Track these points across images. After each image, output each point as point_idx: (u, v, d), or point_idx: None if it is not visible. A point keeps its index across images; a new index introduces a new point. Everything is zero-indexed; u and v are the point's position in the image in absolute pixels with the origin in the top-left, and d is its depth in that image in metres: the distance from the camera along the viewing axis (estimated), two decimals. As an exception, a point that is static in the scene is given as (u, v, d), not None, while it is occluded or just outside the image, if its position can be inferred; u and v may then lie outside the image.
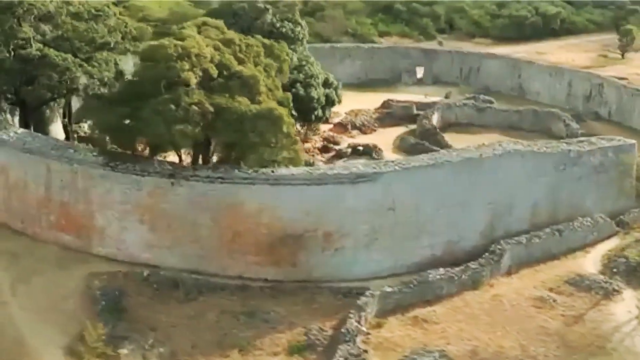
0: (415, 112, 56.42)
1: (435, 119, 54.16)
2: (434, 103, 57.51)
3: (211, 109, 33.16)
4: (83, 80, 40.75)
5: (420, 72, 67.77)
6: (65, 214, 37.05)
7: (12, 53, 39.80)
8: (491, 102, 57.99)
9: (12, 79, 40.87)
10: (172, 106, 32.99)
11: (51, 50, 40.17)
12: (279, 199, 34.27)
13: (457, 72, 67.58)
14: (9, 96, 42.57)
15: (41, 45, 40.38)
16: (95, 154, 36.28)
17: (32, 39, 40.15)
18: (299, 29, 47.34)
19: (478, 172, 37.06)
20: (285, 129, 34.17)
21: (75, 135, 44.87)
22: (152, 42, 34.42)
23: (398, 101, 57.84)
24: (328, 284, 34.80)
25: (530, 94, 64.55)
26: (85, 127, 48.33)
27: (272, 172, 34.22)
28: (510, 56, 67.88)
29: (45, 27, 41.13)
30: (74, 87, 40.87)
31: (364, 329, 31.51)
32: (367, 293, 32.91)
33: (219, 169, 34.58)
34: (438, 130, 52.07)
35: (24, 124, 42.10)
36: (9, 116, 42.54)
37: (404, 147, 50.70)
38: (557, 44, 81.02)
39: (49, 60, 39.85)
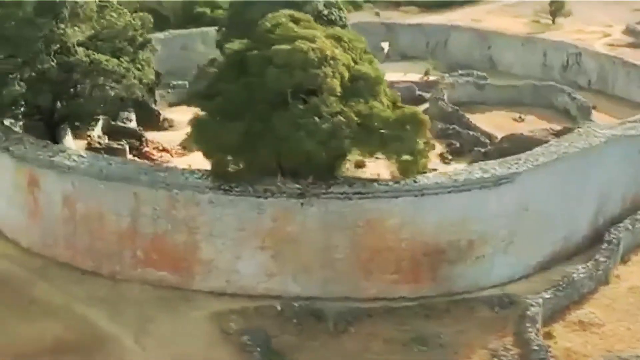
0: (417, 93, 54.35)
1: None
2: (434, 82, 55.66)
3: (355, 118, 29.43)
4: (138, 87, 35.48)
5: (386, 48, 65.47)
6: (159, 247, 32.00)
7: (54, 61, 33.67)
8: (485, 79, 56.98)
9: (57, 91, 34.69)
10: (316, 118, 28.92)
11: (99, 55, 34.35)
12: (422, 211, 31.25)
13: (423, 47, 65.96)
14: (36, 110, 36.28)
15: (83, 49, 34.47)
16: (197, 176, 31.40)
17: (75, 44, 34.14)
18: (343, 14, 43.53)
19: (589, 161, 35.84)
20: (427, 134, 31.13)
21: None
22: (281, 46, 29.71)
23: (397, 82, 55.29)
24: (470, 295, 32.37)
25: (502, 65, 64.17)
26: (95, 136, 42.62)
27: (415, 182, 31.12)
28: (475, 28, 67.03)
29: (84, 27, 35.09)
30: (132, 96, 35.41)
31: (545, 342, 29.63)
32: (533, 302, 30.95)
33: (354, 184, 30.95)
34: (459, 111, 50.33)
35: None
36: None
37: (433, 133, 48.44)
38: (486, 8, 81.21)
39: (100, 67, 34.14)
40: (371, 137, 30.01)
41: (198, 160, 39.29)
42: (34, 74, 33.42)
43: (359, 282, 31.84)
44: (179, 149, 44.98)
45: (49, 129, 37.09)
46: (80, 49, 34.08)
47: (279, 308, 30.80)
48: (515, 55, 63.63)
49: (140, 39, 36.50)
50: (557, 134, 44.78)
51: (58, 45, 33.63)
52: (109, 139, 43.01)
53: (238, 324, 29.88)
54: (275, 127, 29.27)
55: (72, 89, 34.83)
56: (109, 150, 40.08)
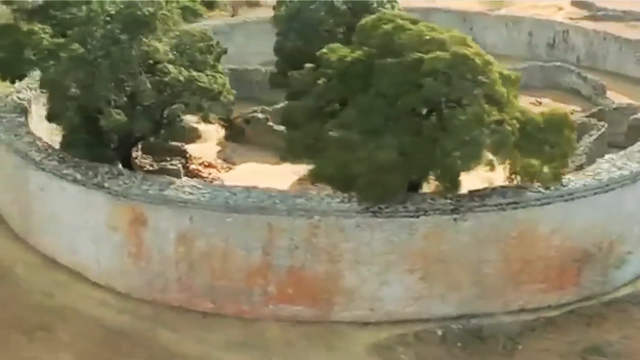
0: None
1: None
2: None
3: (517, 124, 27.67)
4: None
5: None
6: (295, 281, 29.23)
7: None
8: (488, 62, 56.14)
9: (151, 115, 30.87)
10: (484, 129, 26.92)
11: (193, 71, 30.82)
12: (570, 215, 29.97)
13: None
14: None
15: (172, 66, 30.81)
16: (339, 200, 28.70)
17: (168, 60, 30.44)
18: (396, 4, 40.92)
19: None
20: (573, 135, 29.79)
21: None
22: (439, 54, 27.32)
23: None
24: (610, 296, 31.59)
25: (486, 46, 62.97)
26: (139, 157, 38.70)
27: (564, 186, 29.78)
28: (455, 9, 66.10)
29: (167, 39, 31.38)
30: (229, 115, 32.08)
31: None
32: None
33: (507, 193, 29.26)
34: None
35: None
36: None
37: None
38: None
39: (195, 85, 30.62)
40: (530, 144, 28.38)
41: (247, 176, 36.94)
42: (125, 98, 29.57)
43: (508, 295, 30.36)
44: (223, 163, 41.75)
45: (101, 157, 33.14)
46: (170, 66, 30.37)
47: (439, 333, 28.92)
48: (499, 36, 63.30)
49: (217, 49, 32.99)
50: (593, 116, 45.06)
51: (149, 62, 29.85)
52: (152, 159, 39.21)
53: (409, 356, 27.76)
54: (438, 141, 27.07)
55: (164, 112, 31.06)
56: (163, 172, 36.47)
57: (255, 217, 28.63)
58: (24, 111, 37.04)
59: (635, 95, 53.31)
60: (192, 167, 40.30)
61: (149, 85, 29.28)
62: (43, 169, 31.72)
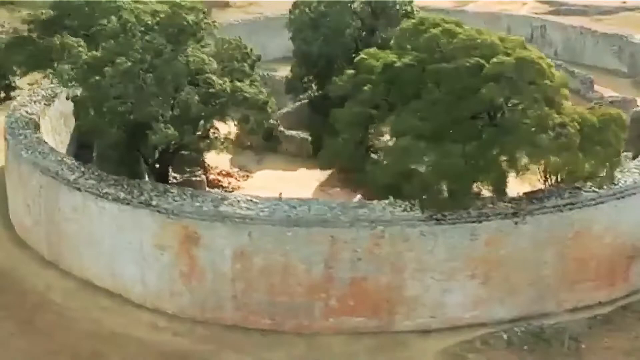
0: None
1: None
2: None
3: (577, 126, 27.69)
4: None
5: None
6: (357, 292, 28.67)
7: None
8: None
9: (196, 128, 29.75)
10: (549, 132, 26.83)
11: (236, 82, 29.86)
12: (622, 213, 30.23)
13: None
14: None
15: (214, 77, 29.77)
16: (402, 208, 28.20)
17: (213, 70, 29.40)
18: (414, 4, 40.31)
19: None
20: (624, 134, 30.01)
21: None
22: (506, 58, 26.99)
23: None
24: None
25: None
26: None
27: (615, 184, 30.01)
28: (434, 7, 66.17)
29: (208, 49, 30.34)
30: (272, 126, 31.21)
31: None
32: None
33: (563, 195, 29.29)
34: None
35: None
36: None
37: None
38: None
39: (241, 96, 29.68)
40: (588, 145, 28.46)
41: (267, 184, 36.22)
42: (172, 111, 28.41)
43: (562, 295, 30.44)
44: (240, 171, 40.77)
45: (138, 173, 31.96)
46: (213, 77, 29.32)
47: (505, 337, 28.78)
48: (477, 33, 63.69)
49: (252, 57, 32.03)
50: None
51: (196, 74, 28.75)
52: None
53: (480, 364, 27.59)
54: (500, 145, 26.90)
55: (207, 124, 29.99)
56: (187, 184, 35.37)
57: (317, 230, 27.92)
58: (37, 126, 35.38)
59: (619, 87, 54.62)
60: (211, 177, 39.27)
61: (196, 97, 28.14)
62: (78, 189, 30.29)
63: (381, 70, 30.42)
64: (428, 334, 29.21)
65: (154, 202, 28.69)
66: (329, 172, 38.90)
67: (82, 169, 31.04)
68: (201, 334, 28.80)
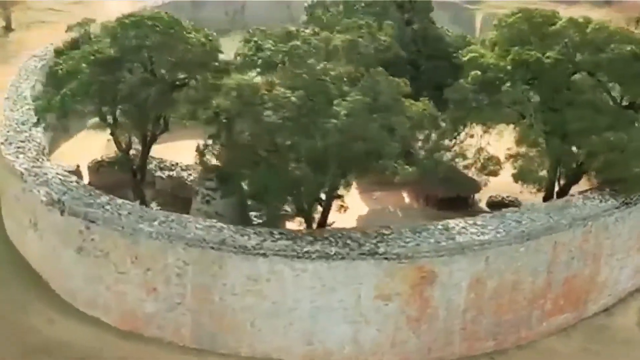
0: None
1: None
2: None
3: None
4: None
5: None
6: (567, 290, 28.77)
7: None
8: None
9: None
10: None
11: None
12: None
13: (222, 15, 60.08)
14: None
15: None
16: (597, 200, 28.39)
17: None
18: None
19: None
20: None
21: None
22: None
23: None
24: None
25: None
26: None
27: None
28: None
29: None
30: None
31: None
32: None
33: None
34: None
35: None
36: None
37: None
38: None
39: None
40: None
41: None
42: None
43: None
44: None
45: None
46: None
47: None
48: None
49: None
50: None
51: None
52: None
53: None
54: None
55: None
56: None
57: (544, 240, 27.12)
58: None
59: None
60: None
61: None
62: (264, 254, 25.17)
63: (513, 67, 29.88)
64: (609, 312, 30.40)
65: (380, 250, 25.20)
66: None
67: (258, 230, 25.81)
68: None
